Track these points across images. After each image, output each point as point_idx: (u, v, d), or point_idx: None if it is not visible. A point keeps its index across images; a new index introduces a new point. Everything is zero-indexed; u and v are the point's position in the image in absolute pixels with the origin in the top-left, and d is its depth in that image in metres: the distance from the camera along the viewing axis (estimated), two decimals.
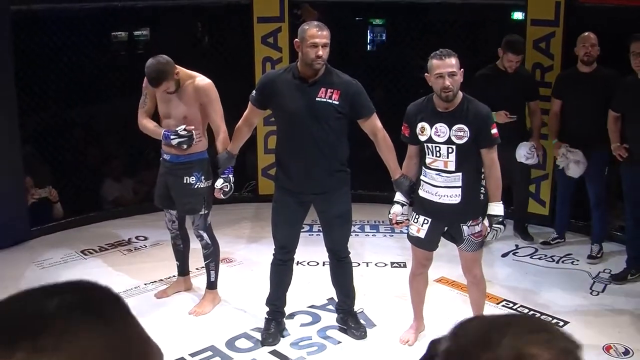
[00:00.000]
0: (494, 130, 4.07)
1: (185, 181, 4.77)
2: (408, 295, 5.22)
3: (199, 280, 5.29)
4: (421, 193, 4.19)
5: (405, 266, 5.76)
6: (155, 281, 5.43)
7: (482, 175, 4.15)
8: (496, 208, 4.11)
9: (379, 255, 5.94)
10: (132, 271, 5.62)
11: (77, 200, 6.81)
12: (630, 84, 5.24)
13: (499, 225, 4.10)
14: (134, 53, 7.80)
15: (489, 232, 4.12)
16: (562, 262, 5.87)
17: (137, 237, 6.32)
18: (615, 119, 5.37)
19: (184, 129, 4.66)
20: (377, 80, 7.22)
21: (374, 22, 8.79)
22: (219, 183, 4.56)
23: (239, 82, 7.11)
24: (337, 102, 4.17)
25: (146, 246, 6.16)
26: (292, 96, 4.19)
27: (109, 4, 6.59)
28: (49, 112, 6.87)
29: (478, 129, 4.02)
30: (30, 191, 6.38)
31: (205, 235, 4.92)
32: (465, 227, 4.16)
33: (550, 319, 4.92)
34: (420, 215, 4.24)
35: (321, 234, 4.61)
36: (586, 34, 5.63)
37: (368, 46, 8.73)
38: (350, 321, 4.68)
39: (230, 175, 4.57)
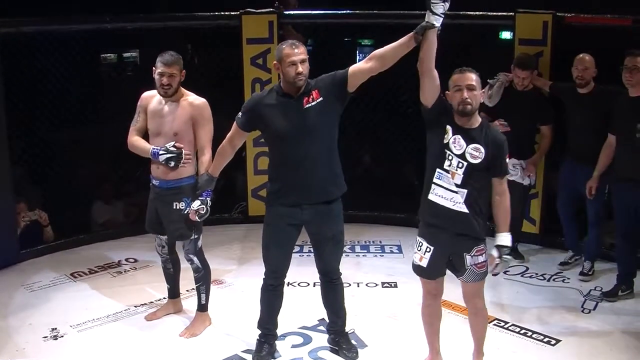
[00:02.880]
0: (508, 160, 4.10)
1: (174, 207, 4.74)
2: (399, 315, 5.23)
3: (189, 302, 5.26)
4: (431, 197, 4.06)
5: (396, 286, 5.76)
6: (146, 303, 5.39)
7: (480, 200, 4.07)
8: (505, 238, 4.06)
9: (370, 275, 5.93)
10: (122, 293, 5.58)
11: (67, 223, 6.77)
12: (620, 103, 5.27)
13: (508, 257, 4.05)
14: (123, 74, 7.80)
15: (498, 264, 4.06)
16: (553, 280, 5.87)
17: (127, 259, 6.28)
18: (610, 143, 5.40)
19: (173, 145, 4.65)
20: (367, 100, 7.24)
21: (362, 43, 8.82)
22: (196, 205, 4.54)
23: (228, 103, 7.12)
24: (321, 99, 4.17)
25: (136, 268, 6.12)
26: (281, 113, 4.18)
27: (98, 25, 6.58)
28: (39, 134, 6.85)
29: (494, 155, 3.98)
30: (21, 214, 6.35)
31: (195, 259, 4.90)
32: (468, 257, 4.07)
33: (543, 337, 4.92)
34: (423, 243, 4.14)
35: (311, 254, 4.59)
36: (580, 56, 5.66)
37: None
38: (342, 342, 4.66)
39: (208, 199, 4.56)
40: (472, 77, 3.98)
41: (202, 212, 4.55)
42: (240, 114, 4.34)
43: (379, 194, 7.47)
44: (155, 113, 4.74)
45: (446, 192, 4.01)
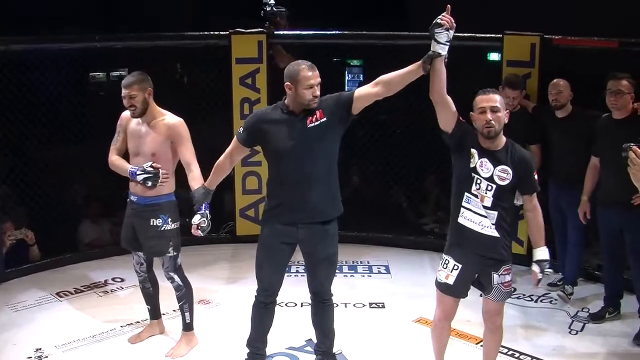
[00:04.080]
0: (536, 177, 4.10)
1: (151, 223, 4.76)
2: (387, 335, 5.22)
3: (176, 322, 5.20)
4: (461, 220, 4.08)
5: (383, 307, 5.74)
6: (132, 323, 5.36)
7: (509, 220, 4.09)
8: (543, 253, 4.09)
9: (358, 295, 5.91)
10: (108, 313, 5.55)
11: (53, 242, 6.74)
12: (604, 126, 5.30)
13: (549, 270, 4.09)
14: (111, 93, 7.79)
15: (541, 278, 4.09)
16: (541, 301, 5.87)
17: (113, 279, 6.24)
18: (594, 165, 5.42)
19: (151, 165, 4.68)
20: (356, 120, 7.24)
21: (351, 63, 8.86)
22: (196, 219, 4.49)
23: (217, 123, 7.13)
24: (324, 119, 4.16)
25: (122, 288, 6.09)
26: (284, 130, 4.17)
27: (87, 44, 6.59)
28: (26, 152, 6.83)
29: (522, 174, 4.01)
30: (7, 233, 6.31)
31: (176, 277, 4.87)
32: (496, 275, 4.08)
33: (530, 358, 4.91)
34: (450, 260, 4.14)
35: (299, 274, 4.58)
36: (555, 80, 5.72)
37: (346, 87, 8.80)
38: None
39: (207, 212, 4.52)
40: (496, 99, 4.01)
41: (204, 226, 4.50)
42: (241, 129, 4.33)
43: (367, 215, 7.47)
44: (133, 133, 4.79)
45: (475, 216, 4.04)
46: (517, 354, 4.96)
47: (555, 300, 5.87)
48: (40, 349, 4.98)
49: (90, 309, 5.66)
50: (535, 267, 4.08)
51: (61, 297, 5.90)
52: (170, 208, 4.79)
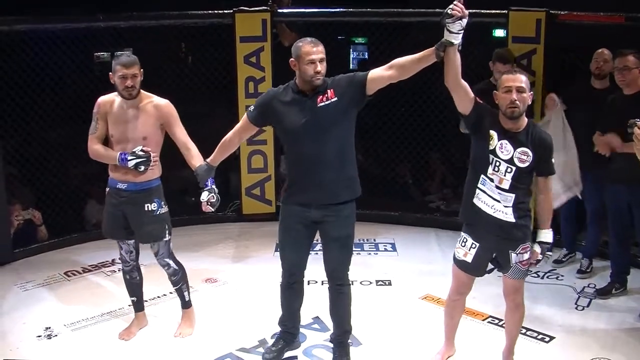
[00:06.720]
0: (554, 160, 4.09)
1: (146, 208, 4.65)
2: (394, 313, 5.24)
3: (177, 302, 5.10)
4: (476, 201, 4.09)
5: (390, 284, 5.76)
6: None
7: (529, 200, 4.11)
8: (547, 235, 4.11)
9: (364, 273, 5.91)
10: (116, 292, 5.57)
11: (60, 222, 6.76)
12: (612, 103, 5.26)
13: (549, 253, 4.15)
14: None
15: (539, 259, 4.13)
16: (547, 277, 5.88)
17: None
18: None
19: (142, 150, 4.54)
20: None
21: (356, 41, 8.82)
22: (204, 196, 4.43)
23: (222, 102, 7.11)
24: (335, 99, 4.11)
25: None
26: (294, 110, 4.14)
27: (91, 24, 6.57)
28: (32, 133, 6.82)
29: (541, 155, 4.00)
30: (14, 214, 6.34)
31: (171, 262, 4.82)
32: (513, 255, 4.09)
33: (536, 334, 4.93)
34: (468, 239, 4.17)
35: (309, 255, 4.54)
36: (600, 50, 5.65)
37: (351, 65, 8.77)
38: (336, 352, 4.58)
39: (213, 186, 4.46)
40: (522, 79, 4.00)
41: (213, 201, 4.45)
42: (252, 107, 4.29)
43: (373, 193, 7.46)
44: (118, 119, 4.60)
45: (488, 199, 4.04)
46: (523, 330, 4.94)
47: (562, 276, 5.88)
48: (49, 327, 5.02)
49: (99, 288, 5.70)
50: (537, 248, 4.11)
51: (69, 276, 5.93)
52: (161, 192, 4.71)
